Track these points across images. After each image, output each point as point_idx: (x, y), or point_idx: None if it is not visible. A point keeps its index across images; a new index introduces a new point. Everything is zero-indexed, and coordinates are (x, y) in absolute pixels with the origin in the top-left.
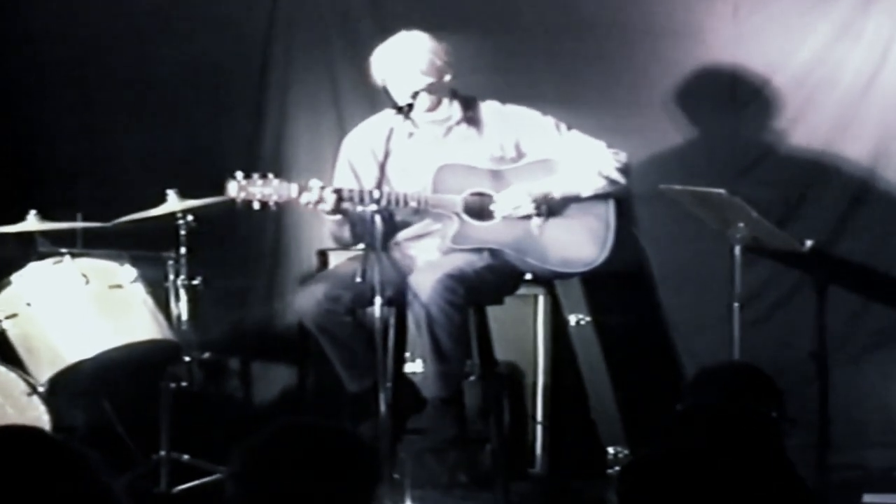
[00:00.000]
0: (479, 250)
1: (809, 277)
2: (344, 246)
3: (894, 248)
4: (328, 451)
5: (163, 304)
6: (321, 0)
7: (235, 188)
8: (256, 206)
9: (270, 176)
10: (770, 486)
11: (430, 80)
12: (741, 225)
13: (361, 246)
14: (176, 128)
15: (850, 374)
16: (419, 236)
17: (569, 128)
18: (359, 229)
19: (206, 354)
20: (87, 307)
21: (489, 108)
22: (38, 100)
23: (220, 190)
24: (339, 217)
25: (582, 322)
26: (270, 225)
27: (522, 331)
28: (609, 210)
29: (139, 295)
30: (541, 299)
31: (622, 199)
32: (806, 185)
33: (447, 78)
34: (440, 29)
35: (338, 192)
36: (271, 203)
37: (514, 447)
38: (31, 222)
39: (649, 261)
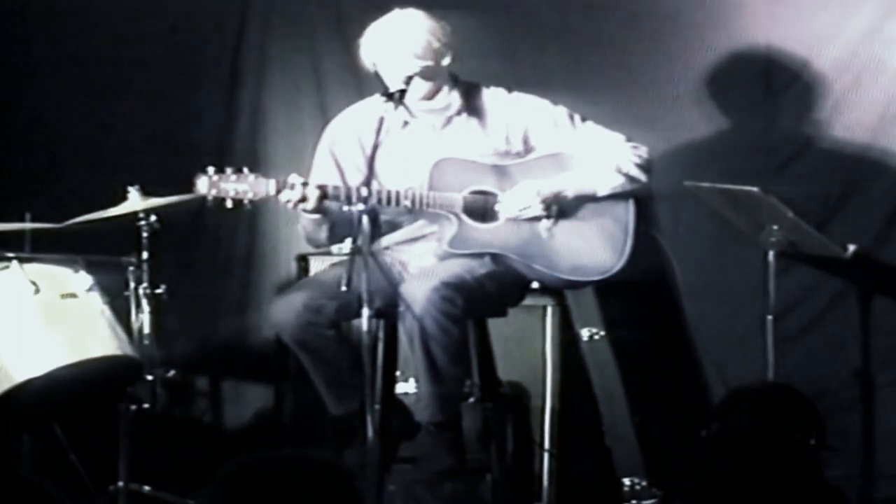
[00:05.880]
0: (479, 255)
1: (853, 286)
2: (319, 247)
3: None
4: (307, 483)
5: (122, 315)
6: None
7: (206, 184)
8: (229, 204)
9: (245, 171)
10: None
11: (426, 63)
12: (776, 227)
13: (347, 250)
14: (138, 116)
15: None
16: (412, 239)
17: (583, 119)
18: (338, 230)
19: (171, 373)
20: (37, 319)
21: (494, 97)
22: None
23: (188, 187)
24: (318, 216)
25: (596, 337)
26: (244, 226)
27: (528, 346)
28: (628, 211)
29: (95, 305)
30: (549, 311)
31: (642, 199)
32: (849, 183)
33: (446, 62)
34: (439, 7)
35: (322, 189)
36: (246, 201)
37: (519, 478)
38: None
39: (672, 268)
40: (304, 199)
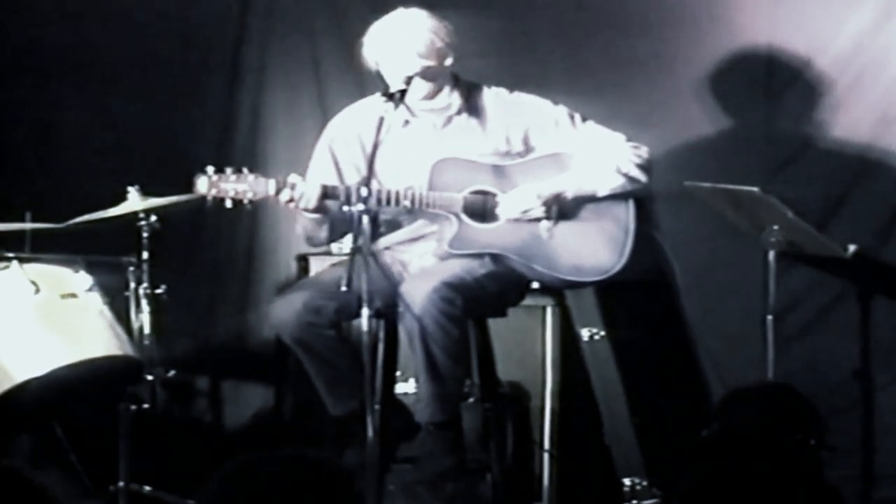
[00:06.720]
0: (479, 255)
1: (853, 287)
2: (318, 246)
3: None
4: (307, 483)
5: (122, 315)
6: None
7: (206, 184)
8: (229, 204)
9: (245, 170)
10: None
11: (428, 63)
12: (776, 227)
13: (347, 249)
14: (137, 115)
15: None
16: (412, 239)
17: (584, 119)
18: (337, 228)
19: (171, 373)
20: (37, 319)
21: (494, 97)
22: None
23: (188, 187)
24: (318, 216)
25: (596, 337)
26: (244, 226)
27: (528, 347)
28: (628, 211)
29: (95, 305)
30: (549, 311)
31: (642, 199)
32: (849, 183)
33: (448, 62)
34: (440, 7)
35: (323, 188)
36: (246, 201)
37: (519, 478)
38: None
39: (672, 268)
40: (303, 199)
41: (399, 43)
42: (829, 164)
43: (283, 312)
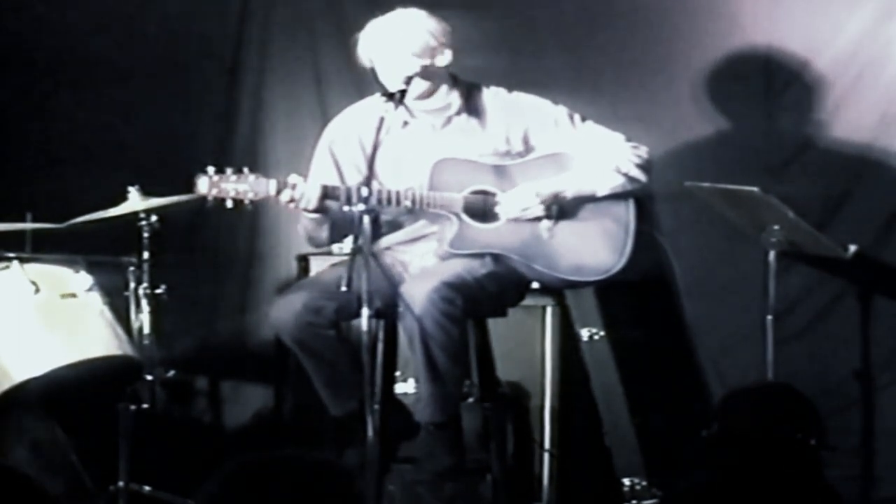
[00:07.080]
0: (480, 255)
1: (853, 287)
2: (320, 247)
3: None
4: (307, 483)
5: (122, 315)
6: None
7: (206, 184)
8: (230, 204)
9: (245, 171)
10: None
11: (423, 62)
12: (776, 227)
13: (347, 250)
14: (138, 116)
15: None
16: (413, 239)
17: (583, 118)
18: (339, 228)
19: (171, 373)
20: (36, 319)
21: (494, 96)
22: None
23: (188, 187)
24: (319, 216)
25: (595, 337)
26: (244, 226)
27: (528, 347)
28: (628, 211)
29: (95, 305)
30: (549, 311)
31: (642, 199)
32: (850, 183)
33: (442, 61)
34: (439, 7)
35: (323, 188)
36: (246, 201)
37: (519, 478)
38: None
39: (672, 268)
40: (303, 199)
41: (393, 41)
42: (829, 164)
43: (282, 312)
